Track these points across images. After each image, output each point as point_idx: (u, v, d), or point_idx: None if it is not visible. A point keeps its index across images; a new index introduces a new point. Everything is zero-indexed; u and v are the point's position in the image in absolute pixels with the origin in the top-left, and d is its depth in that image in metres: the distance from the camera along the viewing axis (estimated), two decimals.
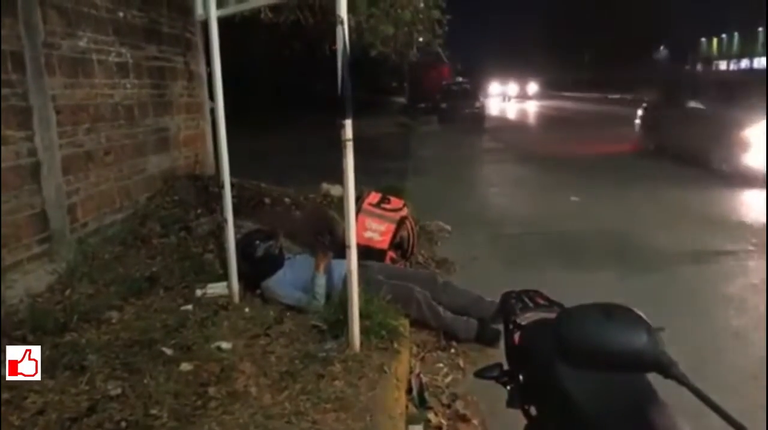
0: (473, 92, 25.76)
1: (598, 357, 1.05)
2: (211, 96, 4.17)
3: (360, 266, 3.31)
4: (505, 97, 46.97)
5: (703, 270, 5.19)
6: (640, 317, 1.09)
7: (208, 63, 4.07)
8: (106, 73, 4.58)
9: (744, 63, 55.05)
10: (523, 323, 1.80)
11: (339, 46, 2.96)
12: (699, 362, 2.97)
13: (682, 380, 1.00)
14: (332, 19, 3.00)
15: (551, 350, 1.17)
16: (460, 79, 32.95)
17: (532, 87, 51.12)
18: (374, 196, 5.06)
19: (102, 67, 4.53)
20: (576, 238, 6.37)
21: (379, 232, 4.81)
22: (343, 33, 2.94)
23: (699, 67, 60.85)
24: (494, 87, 52.10)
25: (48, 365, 2.89)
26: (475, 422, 3.01)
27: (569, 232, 6.64)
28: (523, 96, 47.85)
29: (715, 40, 65.19)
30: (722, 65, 59.75)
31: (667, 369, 1.01)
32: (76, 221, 4.15)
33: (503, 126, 24.01)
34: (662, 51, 63.52)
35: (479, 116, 23.72)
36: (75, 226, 4.13)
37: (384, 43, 6.72)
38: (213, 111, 3.91)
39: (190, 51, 6.25)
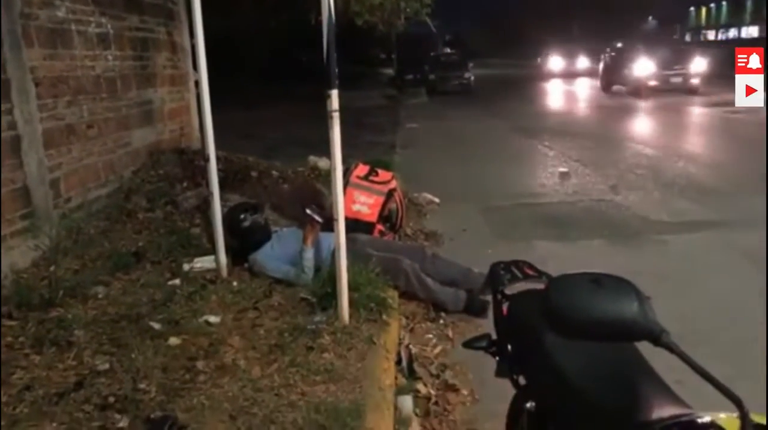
0: (462, 63, 25.65)
1: (588, 326, 1.04)
2: (195, 68, 4.09)
3: (348, 238, 3.30)
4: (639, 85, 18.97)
5: (693, 239, 5.23)
6: (631, 285, 1.07)
7: (192, 34, 3.98)
8: (86, 45, 4.47)
9: (732, 32, 54.97)
10: (511, 293, 1.79)
11: (324, 14, 2.91)
12: (689, 330, 2.99)
13: (673, 349, 0.99)
14: None
15: (539, 319, 1.16)
16: (448, 50, 32.62)
17: (700, 64, 18.99)
18: (362, 169, 5.01)
19: (82, 38, 4.41)
20: (566, 209, 6.40)
21: (367, 205, 4.78)
22: (329, 1, 2.89)
23: (687, 36, 60.67)
24: (555, 61, 32.73)
25: (34, 341, 2.88)
26: (464, 391, 3.04)
27: (559, 203, 6.66)
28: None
29: (703, 10, 64.91)
30: (710, 35, 59.67)
31: (658, 337, 1.00)
32: (60, 196, 4.08)
33: None
34: (651, 21, 63.18)
35: (467, 87, 23.73)
36: (58, 201, 4.06)
37: (371, 12, 6.61)
38: (197, 83, 3.83)
39: (173, 22, 6.11)
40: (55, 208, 4.00)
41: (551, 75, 32.06)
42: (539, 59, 37.70)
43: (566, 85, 27.69)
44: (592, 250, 5.06)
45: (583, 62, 32.09)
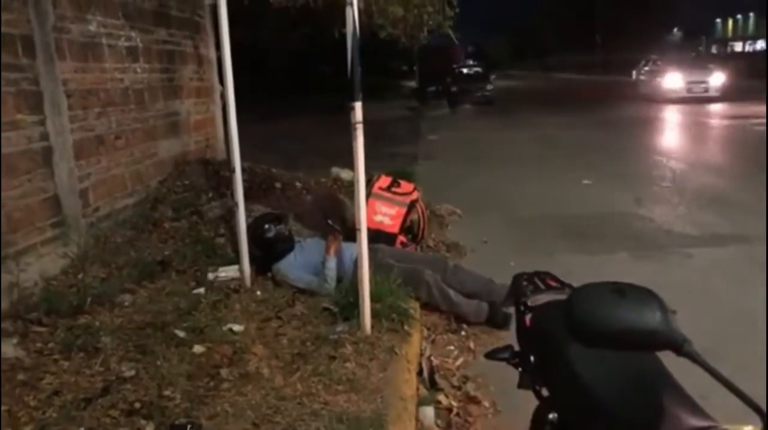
0: (484, 75, 25.62)
1: (611, 335, 1.05)
2: (221, 80, 4.16)
3: (370, 249, 3.32)
4: None
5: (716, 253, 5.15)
6: (653, 294, 1.07)
7: (218, 47, 4.06)
8: (116, 58, 4.58)
9: (760, 44, 54.15)
10: (534, 304, 1.79)
11: (348, 28, 2.95)
12: (713, 343, 2.95)
13: (696, 358, 0.99)
14: (341, 2, 2.98)
15: (563, 330, 1.17)
16: (471, 62, 32.60)
17: None
18: (384, 180, 5.05)
19: (112, 51, 4.53)
20: (588, 221, 6.34)
21: (389, 216, 4.81)
22: (353, 15, 2.93)
23: (714, 48, 59.93)
24: (673, 79, 20.86)
25: (63, 347, 2.94)
26: (485, 403, 3.02)
27: (582, 215, 6.60)
28: None
29: (730, 21, 64.13)
30: (737, 46, 58.88)
31: (680, 347, 1.00)
32: (88, 206, 4.17)
33: None
34: (676, 32, 62.56)
35: (489, 100, 23.71)
36: (87, 210, 4.15)
37: (393, 25, 6.66)
38: (223, 95, 3.90)
39: (200, 35, 6.24)
40: (83, 217, 4.09)
41: (660, 98, 20.60)
42: (634, 73, 27.52)
43: (710, 118, 16.42)
44: (616, 262, 5.02)
45: (718, 78, 20.88)
